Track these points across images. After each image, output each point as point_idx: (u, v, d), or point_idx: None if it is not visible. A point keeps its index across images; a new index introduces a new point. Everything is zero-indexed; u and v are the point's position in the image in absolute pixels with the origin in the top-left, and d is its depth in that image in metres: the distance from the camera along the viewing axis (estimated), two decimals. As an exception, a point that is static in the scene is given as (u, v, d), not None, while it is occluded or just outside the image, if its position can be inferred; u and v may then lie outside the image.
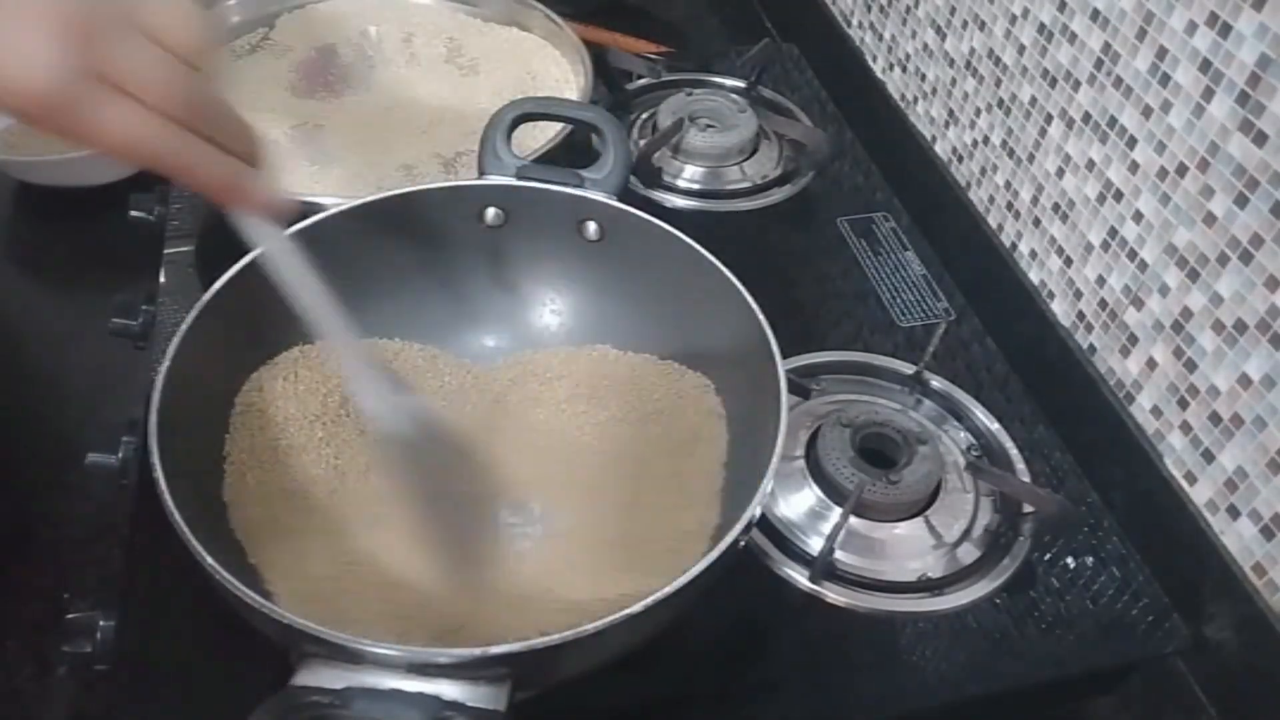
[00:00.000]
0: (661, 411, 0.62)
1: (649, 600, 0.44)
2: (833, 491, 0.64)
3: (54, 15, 0.38)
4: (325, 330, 0.48)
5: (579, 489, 0.59)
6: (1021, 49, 0.73)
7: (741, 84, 0.96)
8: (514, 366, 0.65)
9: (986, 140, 0.79)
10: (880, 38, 0.93)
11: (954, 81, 0.82)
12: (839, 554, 0.61)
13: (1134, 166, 0.64)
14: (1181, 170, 0.61)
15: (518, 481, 0.60)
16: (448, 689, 0.41)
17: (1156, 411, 0.65)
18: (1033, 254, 0.76)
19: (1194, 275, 0.61)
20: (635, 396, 0.63)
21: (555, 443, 0.62)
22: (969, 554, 0.63)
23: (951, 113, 0.83)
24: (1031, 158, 0.74)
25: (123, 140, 0.40)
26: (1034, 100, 0.73)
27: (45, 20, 0.38)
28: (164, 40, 0.40)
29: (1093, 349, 0.70)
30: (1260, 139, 0.55)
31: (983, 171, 0.80)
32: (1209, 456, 0.61)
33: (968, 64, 0.80)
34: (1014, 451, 0.68)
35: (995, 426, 0.70)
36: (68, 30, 0.38)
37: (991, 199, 0.80)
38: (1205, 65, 0.58)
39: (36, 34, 0.37)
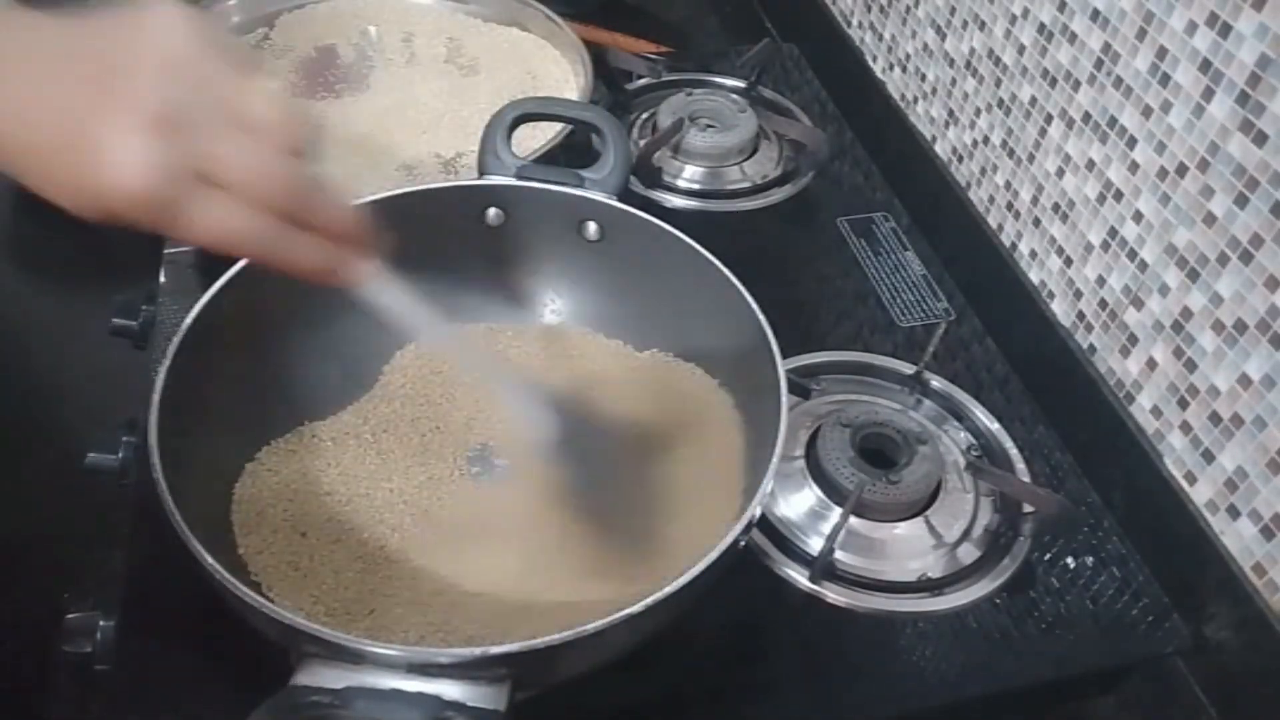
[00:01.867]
0: (673, 411, 0.62)
1: (649, 600, 0.44)
2: (833, 491, 0.64)
3: (148, 111, 0.37)
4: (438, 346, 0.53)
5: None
6: (1021, 49, 0.73)
7: (741, 84, 0.96)
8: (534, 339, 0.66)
9: (986, 140, 0.79)
10: (880, 38, 0.93)
11: (954, 81, 0.82)
12: (839, 554, 0.61)
13: (1134, 166, 0.64)
14: (1181, 170, 0.61)
15: (522, 454, 0.60)
16: (448, 689, 0.41)
17: (1156, 411, 0.65)
18: (1033, 254, 0.76)
19: (1194, 275, 0.61)
20: (650, 396, 0.62)
21: (564, 423, 0.62)
22: (969, 554, 0.63)
23: (951, 113, 0.83)
24: (1031, 158, 0.74)
25: (222, 237, 0.40)
26: (1034, 100, 0.73)
27: (139, 117, 0.37)
28: (259, 129, 0.39)
29: (1093, 349, 0.70)
30: (1260, 139, 0.55)
31: (983, 171, 0.80)
32: (1209, 456, 0.61)
33: (968, 64, 0.80)
34: (1014, 451, 0.68)
35: (995, 426, 0.70)
36: (162, 126, 0.37)
37: (991, 199, 0.80)
38: (1205, 65, 0.58)
39: (131, 133, 0.37)
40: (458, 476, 0.59)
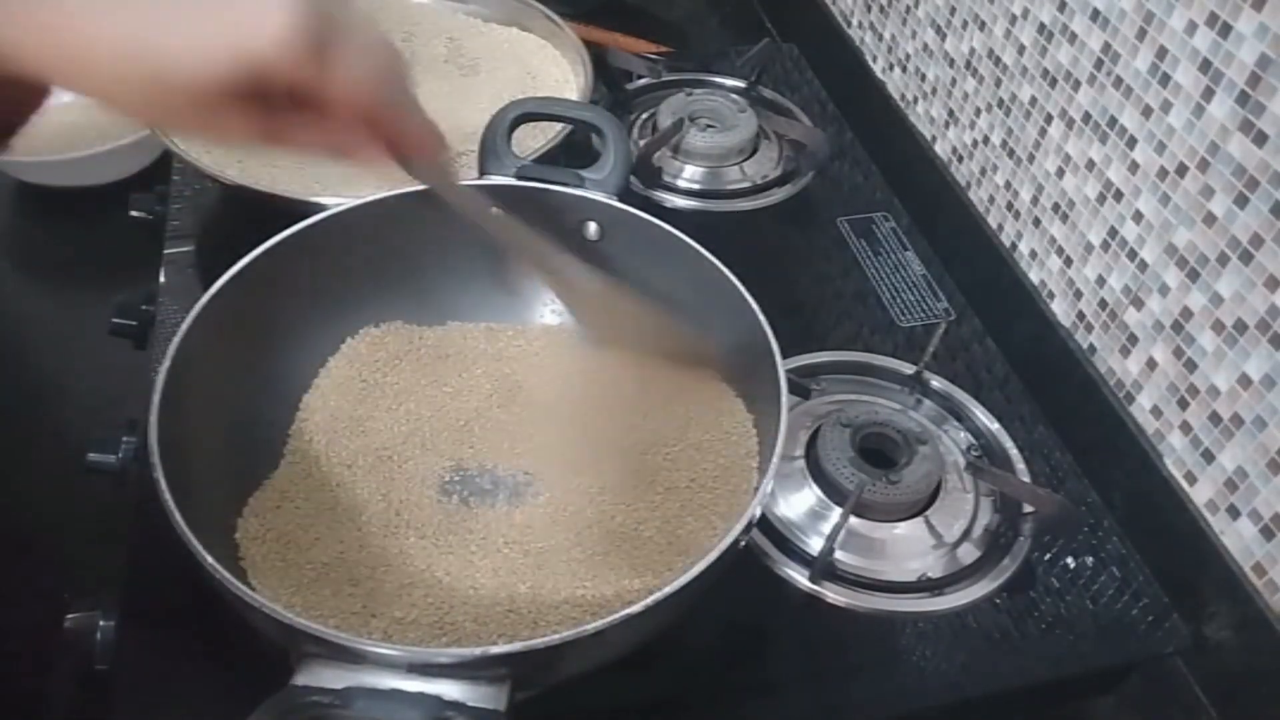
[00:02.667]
0: (681, 410, 0.62)
1: (649, 600, 0.43)
2: (833, 491, 0.64)
3: None
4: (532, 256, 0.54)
5: (585, 475, 0.59)
6: (1021, 49, 0.73)
7: (741, 84, 0.96)
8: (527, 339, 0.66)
9: (986, 140, 0.79)
10: (880, 38, 0.93)
11: (954, 81, 0.82)
12: (839, 554, 0.61)
13: (1134, 166, 0.64)
14: (1181, 170, 0.61)
15: (522, 454, 0.60)
16: (448, 689, 0.41)
17: (1156, 411, 0.65)
18: (1033, 254, 0.76)
19: (1194, 275, 0.61)
20: (658, 394, 0.63)
21: (565, 423, 0.62)
22: (969, 554, 0.63)
23: (951, 113, 0.83)
24: (1031, 158, 0.74)
25: (358, 87, 0.40)
26: (1034, 100, 0.73)
27: None
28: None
29: (1093, 349, 0.70)
30: (1260, 139, 0.55)
31: (983, 171, 0.80)
32: (1209, 456, 0.61)
33: (968, 64, 0.80)
34: (1014, 451, 0.68)
35: (995, 426, 0.70)
36: None
37: (991, 199, 0.80)
38: (1205, 65, 0.58)
39: None
40: (459, 473, 0.59)
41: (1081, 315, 0.71)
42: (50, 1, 0.36)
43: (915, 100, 0.89)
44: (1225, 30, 0.56)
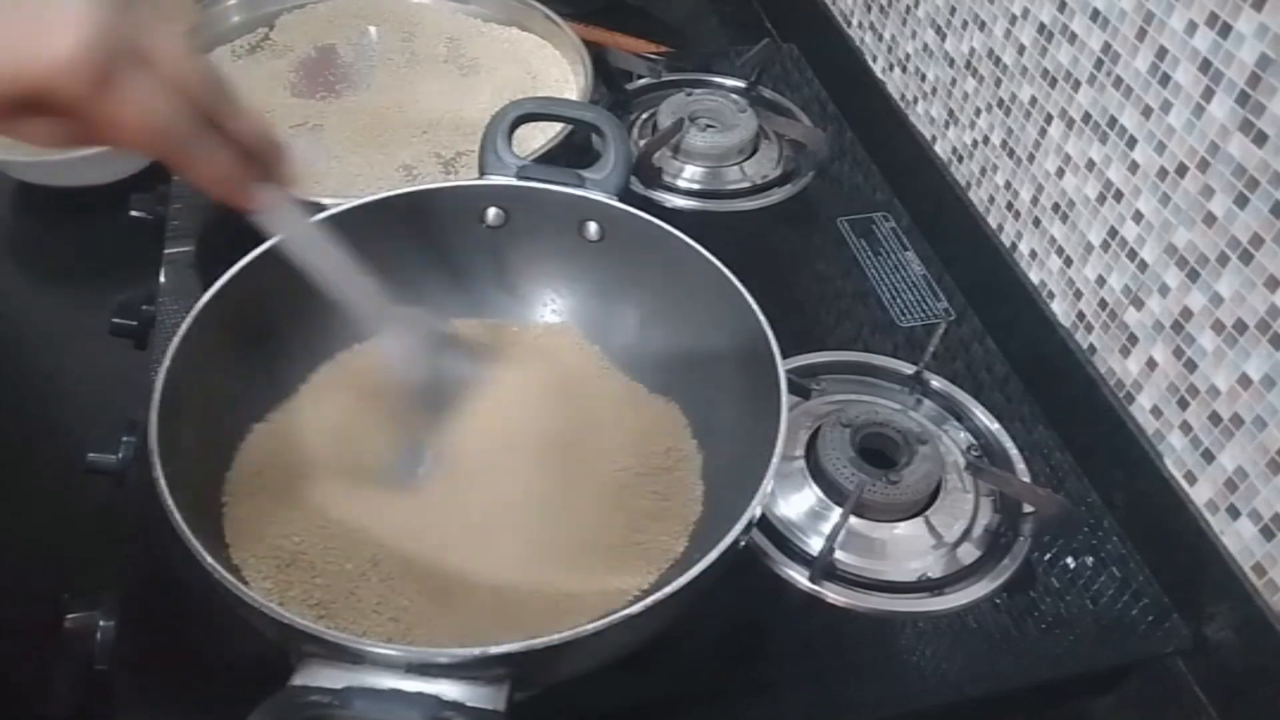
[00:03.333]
0: (633, 441, 0.61)
1: (649, 600, 0.44)
2: (833, 491, 0.64)
3: None
4: (358, 305, 0.52)
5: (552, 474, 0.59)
6: (1021, 49, 0.73)
7: (741, 84, 0.96)
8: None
9: (986, 140, 0.79)
10: (880, 38, 0.93)
11: (954, 81, 0.82)
12: (839, 554, 0.61)
13: (1134, 166, 0.64)
14: (1181, 170, 0.61)
15: (522, 452, 0.60)
16: (447, 689, 0.41)
17: (1156, 411, 0.65)
18: (1033, 254, 0.76)
19: (1194, 275, 0.61)
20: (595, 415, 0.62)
21: (566, 422, 0.62)
22: (969, 554, 0.63)
23: (951, 113, 0.83)
24: (1031, 158, 0.74)
25: (143, 123, 0.39)
26: (1034, 100, 0.73)
27: None
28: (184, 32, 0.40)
29: (1093, 349, 0.70)
30: (1260, 139, 0.55)
31: (983, 171, 0.80)
32: (1209, 456, 0.61)
33: (968, 64, 0.80)
34: (1014, 451, 0.68)
35: (995, 426, 0.70)
36: None
37: (991, 199, 0.80)
38: (1205, 65, 0.58)
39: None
40: (460, 471, 0.59)
41: (1081, 315, 0.71)
42: None
43: (915, 100, 0.89)
44: (1225, 30, 0.56)
